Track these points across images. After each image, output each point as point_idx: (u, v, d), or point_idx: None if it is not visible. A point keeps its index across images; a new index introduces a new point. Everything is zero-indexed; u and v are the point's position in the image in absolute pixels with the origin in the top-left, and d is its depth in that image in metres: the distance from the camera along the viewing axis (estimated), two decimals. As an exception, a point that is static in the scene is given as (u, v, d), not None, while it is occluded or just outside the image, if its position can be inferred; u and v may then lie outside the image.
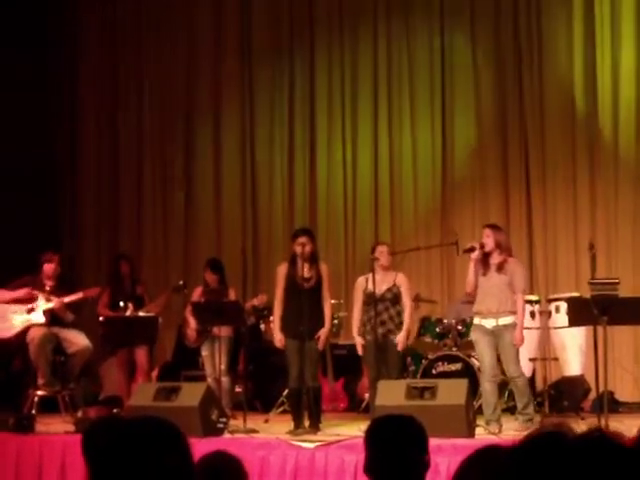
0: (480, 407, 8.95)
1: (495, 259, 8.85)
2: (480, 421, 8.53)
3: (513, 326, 8.74)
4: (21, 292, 10.12)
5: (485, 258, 8.85)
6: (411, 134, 13.06)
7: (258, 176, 13.73)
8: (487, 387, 8.77)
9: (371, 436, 3.83)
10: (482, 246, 8.83)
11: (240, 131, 13.77)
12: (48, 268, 10.27)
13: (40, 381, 9.95)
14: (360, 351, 9.26)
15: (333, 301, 9.65)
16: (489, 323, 8.79)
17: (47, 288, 10.22)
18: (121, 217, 14.12)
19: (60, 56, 14.17)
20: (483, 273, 8.85)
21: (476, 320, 8.92)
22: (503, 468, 1.46)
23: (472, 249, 8.87)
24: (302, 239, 9.07)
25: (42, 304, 10.09)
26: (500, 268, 8.81)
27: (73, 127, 14.31)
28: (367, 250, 10.08)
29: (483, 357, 8.86)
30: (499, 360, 8.98)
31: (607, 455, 1.37)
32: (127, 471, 2.45)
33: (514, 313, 8.77)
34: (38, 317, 10.06)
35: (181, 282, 10.71)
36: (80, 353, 10.15)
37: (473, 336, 9.00)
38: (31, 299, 10.10)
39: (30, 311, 10.07)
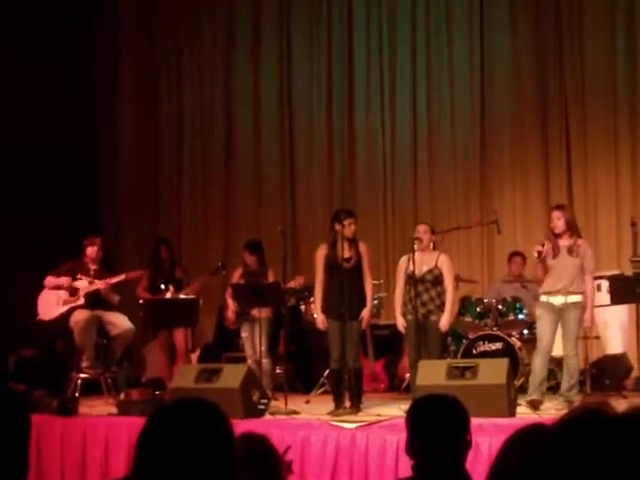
0: (521, 386, 8.93)
1: (566, 241, 8.79)
2: (521, 400, 8.51)
3: (580, 305, 8.72)
4: (63, 280, 10.19)
5: (555, 240, 8.80)
6: (450, 112, 13.01)
7: (297, 157, 13.73)
8: (539, 361, 8.76)
9: (413, 416, 3.83)
10: (541, 252, 8.77)
11: (279, 118, 13.78)
12: (91, 251, 10.34)
13: (84, 364, 10.04)
14: (402, 331, 9.25)
15: (374, 281, 9.63)
16: (557, 300, 8.77)
17: (91, 272, 10.29)
18: (161, 199, 14.18)
19: (103, 33, 14.31)
20: (553, 256, 8.79)
21: (544, 298, 8.88)
22: (546, 447, 1.46)
23: (540, 253, 8.80)
24: (345, 219, 9.05)
25: (85, 287, 10.17)
26: (571, 250, 8.77)
27: (114, 111, 14.37)
28: (407, 230, 10.06)
29: (543, 332, 8.82)
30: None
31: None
32: (171, 453, 2.46)
33: (582, 292, 8.75)
34: (80, 300, 10.14)
35: (220, 264, 10.70)
36: (123, 336, 10.23)
37: (538, 311, 8.96)
38: (73, 288, 10.17)
39: (73, 294, 10.15)
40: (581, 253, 8.77)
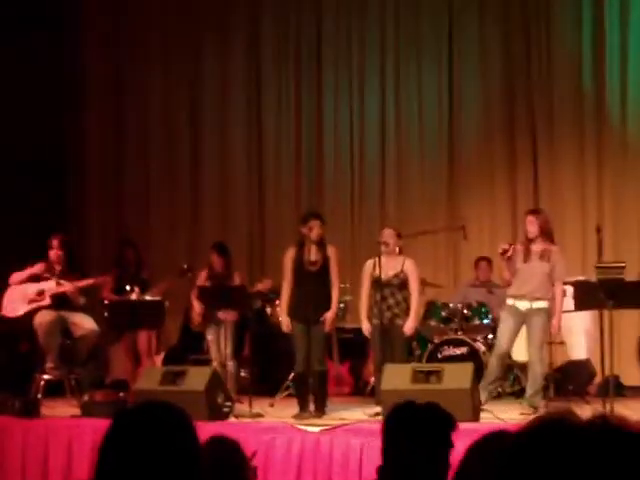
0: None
1: (538, 246, 8.82)
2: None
3: (545, 311, 8.76)
4: (36, 267, 10.17)
5: (528, 244, 8.84)
6: (418, 117, 13.07)
7: (265, 162, 13.71)
8: (494, 362, 8.84)
9: (394, 423, 3.71)
10: (506, 251, 8.80)
11: (247, 121, 13.74)
12: (51, 253, 10.29)
13: (48, 365, 9.96)
14: (367, 335, 9.25)
15: (340, 285, 9.62)
16: (522, 305, 8.83)
17: (56, 272, 10.25)
18: (127, 201, 14.08)
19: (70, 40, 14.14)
20: (524, 260, 8.82)
21: (510, 301, 8.93)
22: (508, 455, 1.46)
23: (505, 251, 8.82)
24: (312, 222, 9.06)
25: (51, 288, 10.12)
26: (542, 256, 8.80)
27: (80, 113, 14.23)
28: (373, 234, 10.08)
29: (503, 334, 8.88)
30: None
31: (613, 441, 1.37)
32: (135, 456, 2.45)
33: (548, 299, 8.78)
34: (45, 301, 10.09)
35: (185, 266, 10.58)
36: (87, 337, 10.18)
37: (502, 314, 9.04)
38: (47, 271, 10.11)
39: (39, 294, 10.10)
40: (552, 259, 8.81)
